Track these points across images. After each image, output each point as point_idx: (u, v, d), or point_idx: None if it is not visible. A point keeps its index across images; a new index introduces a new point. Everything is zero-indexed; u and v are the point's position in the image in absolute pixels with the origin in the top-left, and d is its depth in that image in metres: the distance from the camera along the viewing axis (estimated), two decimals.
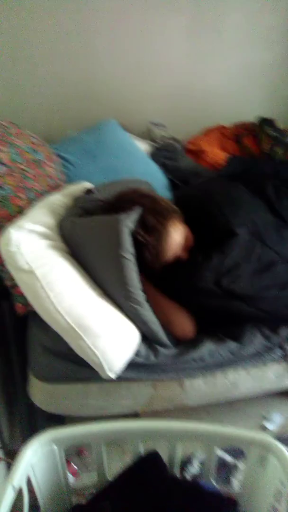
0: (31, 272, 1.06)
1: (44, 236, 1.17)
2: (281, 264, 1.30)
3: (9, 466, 1.36)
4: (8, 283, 1.19)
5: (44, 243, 1.15)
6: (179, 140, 2.17)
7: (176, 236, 1.24)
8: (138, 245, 1.14)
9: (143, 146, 2.02)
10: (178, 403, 1.33)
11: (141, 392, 1.27)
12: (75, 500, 1.04)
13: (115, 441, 1.12)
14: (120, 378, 1.16)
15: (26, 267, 1.07)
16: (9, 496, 0.82)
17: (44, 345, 1.19)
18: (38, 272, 1.07)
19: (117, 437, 0.97)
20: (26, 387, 1.29)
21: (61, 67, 2.13)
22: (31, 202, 1.31)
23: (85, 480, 1.07)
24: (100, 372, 1.11)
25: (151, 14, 2.12)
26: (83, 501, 1.02)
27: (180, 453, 0.98)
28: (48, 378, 1.22)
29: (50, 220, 1.23)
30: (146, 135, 2.24)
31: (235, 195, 1.46)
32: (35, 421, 1.41)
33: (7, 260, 1.09)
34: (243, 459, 0.96)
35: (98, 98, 2.25)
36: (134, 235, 1.13)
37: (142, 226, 1.17)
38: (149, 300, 1.18)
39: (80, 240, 1.19)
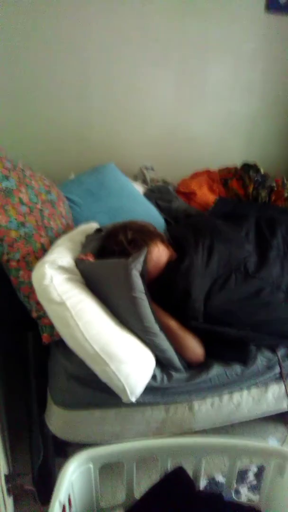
0: (62, 304, 1.15)
1: (69, 270, 1.27)
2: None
3: (15, 496, 1.36)
4: (34, 314, 1.26)
5: (70, 277, 1.24)
6: (169, 182, 2.33)
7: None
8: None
9: (138, 188, 2.16)
10: (186, 427, 1.41)
11: (154, 417, 1.34)
12: None
13: (144, 459, 1.18)
14: (137, 403, 1.24)
15: (58, 299, 1.15)
16: (57, 511, 0.88)
17: (67, 371, 1.26)
18: (68, 304, 1.16)
19: (148, 454, 1.05)
20: (42, 415, 1.34)
21: (59, 115, 2.30)
22: (50, 239, 1.41)
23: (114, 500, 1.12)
24: (123, 396, 1.19)
25: (143, 69, 2.34)
26: None
27: (202, 467, 1.07)
28: (68, 404, 1.28)
29: (72, 256, 1.34)
30: (137, 178, 2.40)
31: (220, 229, 1.62)
32: (47, 451, 1.44)
33: (40, 293, 1.18)
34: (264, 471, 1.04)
35: (92, 145, 2.43)
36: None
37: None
38: (162, 327, 1.28)
39: (94, 280, 1.29)
